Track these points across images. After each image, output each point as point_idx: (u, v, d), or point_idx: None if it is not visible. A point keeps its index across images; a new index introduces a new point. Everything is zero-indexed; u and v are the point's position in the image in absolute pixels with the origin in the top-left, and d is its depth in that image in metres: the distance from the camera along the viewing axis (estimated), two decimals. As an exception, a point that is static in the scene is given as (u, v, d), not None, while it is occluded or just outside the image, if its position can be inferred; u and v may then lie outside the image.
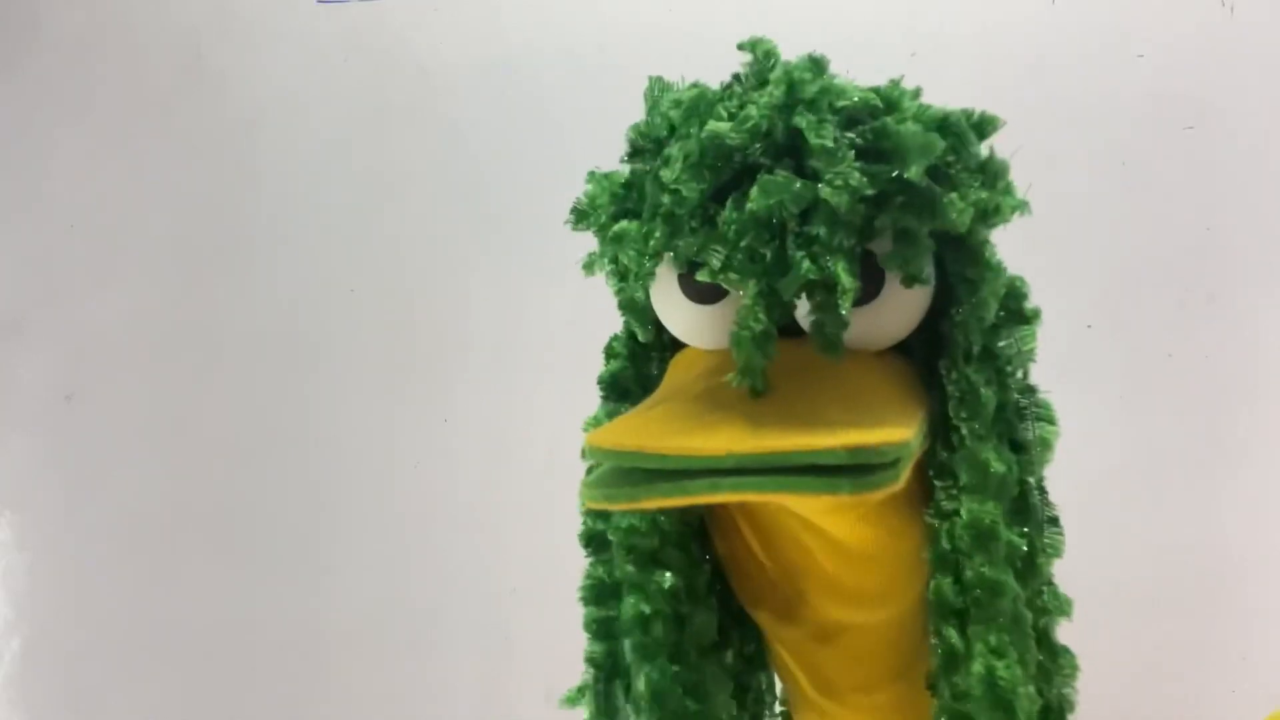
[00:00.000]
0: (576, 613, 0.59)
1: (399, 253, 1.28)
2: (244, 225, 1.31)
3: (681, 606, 0.54)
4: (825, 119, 0.47)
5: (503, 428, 1.22)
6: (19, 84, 1.34)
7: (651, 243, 0.49)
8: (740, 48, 0.52)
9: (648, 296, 0.53)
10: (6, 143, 1.34)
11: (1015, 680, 0.49)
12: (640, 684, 0.52)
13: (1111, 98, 1.15)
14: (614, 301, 0.57)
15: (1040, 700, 0.51)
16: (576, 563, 0.60)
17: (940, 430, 0.52)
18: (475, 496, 1.24)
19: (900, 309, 0.50)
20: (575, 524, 0.59)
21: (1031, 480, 0.54)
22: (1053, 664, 0.54)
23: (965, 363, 0.51)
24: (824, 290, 0.46)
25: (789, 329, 0.49)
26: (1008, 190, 0.51)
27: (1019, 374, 0.55)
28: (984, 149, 0.51)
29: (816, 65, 0.50)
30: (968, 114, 0.51)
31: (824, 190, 0.45)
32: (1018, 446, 0.53)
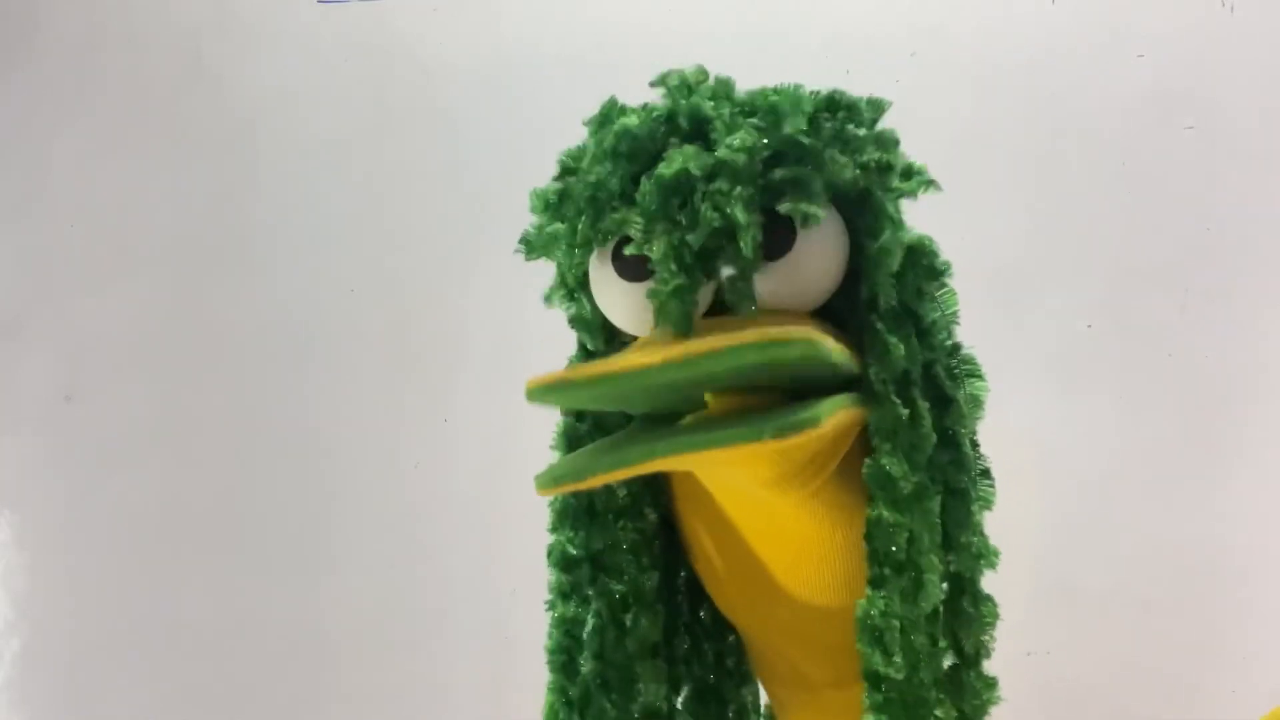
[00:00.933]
0: (576, 613, 0.59)
1: (399, 253, 1.28)
2: (244, 225, 1.31)
3: (624, 612, 0.58)
4: (723, 102, 0.53)
5: (503, 428, 1.21)
6: (19, 84, 1.34)
7: (579, 231, 0.54)
8: (651, 84, 0.56)
9: (593, 306, 0.56)
10: (6, 143, 1.34)
11: (892, 615, 0.52)
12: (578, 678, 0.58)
13: (1111, 98, 1.15)
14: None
15: (946, 643, 0.54)
16: (576, 563, 0.60)
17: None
18: (475, 496, 1.24)
19: (813, 264, 0.53)
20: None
21: (964, 434, 0.56)
22: (974, 610, 0.56)
23: (876, 314, 0.54)
24: (731, 242, 0.50)
25: (727, 309, 0.52)
26: (895, 150, 0.55)
27: (943, 335, 0.57)
28: (879, 124, 0.56)
29: (720, 79, 0.55)
30: (859, 96, 0.55)
31: (722, 152, 0.50)
32: (949, 403, 0.56)
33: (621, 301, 0.54)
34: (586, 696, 0.58)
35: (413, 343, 1.27)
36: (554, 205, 0.56)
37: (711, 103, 0.52)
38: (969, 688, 0.56)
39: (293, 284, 1.29)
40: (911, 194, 0.56)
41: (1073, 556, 1.13)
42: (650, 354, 0.45)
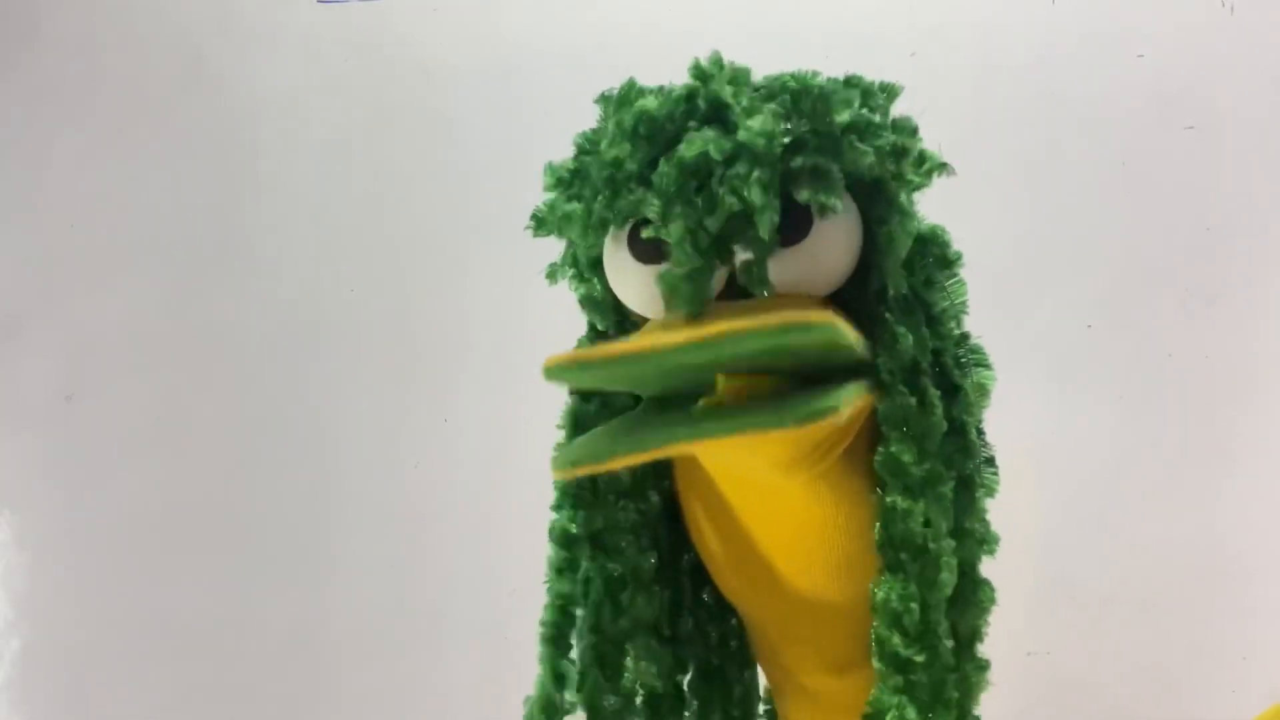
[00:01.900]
0: (576, 614, 0.59)
1: (399, 253, 1.28)
2: (244, 225, 1.31)
3: (621, 591, 0.58)
4: (743, 87, 0.52)
5: (503, 428, 1.22)
6: (19, 84, 1.34)
7: (594, 212, 0.53)
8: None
9: (604, 287, 0.56)
10: (6, 143, 1.34)
11: (911, 598, 0.53)
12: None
13: (1111, 98, 1.15)
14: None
15: (944, 623, 0.54)
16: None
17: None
18: (475, 496, 1.24)
19: (829, 249, 0.52)
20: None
21: (970, 422, 0.57)
22: (972, 595, 0.57)
23: (885, 305, 0.54)
24: (749, 225, 0.49)
25: (740, 294, 0.52)
26: (913, 137, 0.55)
27: (951, 325, 0.57)
28: (892, 111, 0.55)
29: (738, 67, 0.55)
30: (873, 80, 0.55)
31: (742, 135, 0.49)
32: (957, 392, 0.56)
33: (635, 283, 0.54)
34: (578, 671, 0.59)
35: (413, 343, 1.27)
36: (566, 182, 0.56)
37: (731, 87, 0.52)
38: (964, 671, 0.56)
39: (293, 284, 1.29)
40: (925, 184, 0.56)
41: (1073, 556, 1.14)
42: (672, 334, 0.44)
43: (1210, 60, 1.15)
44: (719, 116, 0.51)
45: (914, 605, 0.53)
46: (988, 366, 0.58)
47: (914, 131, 0.55)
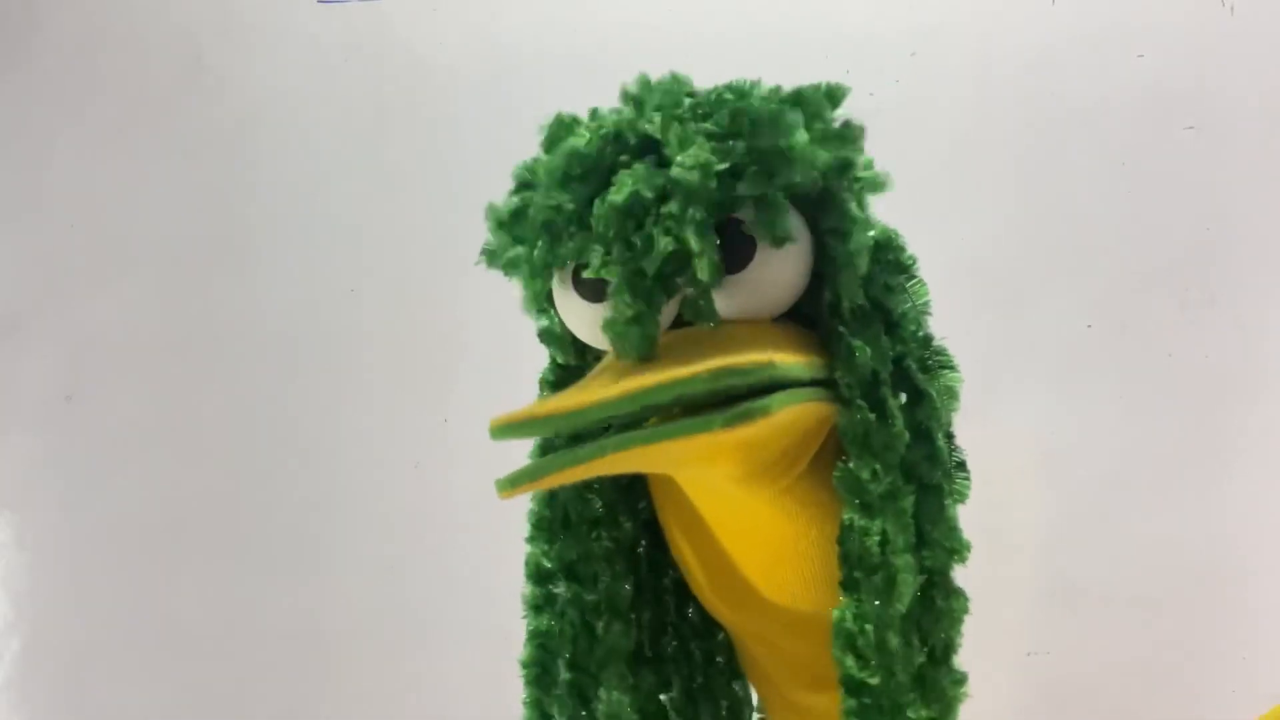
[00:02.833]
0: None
1: (399, 253, 1.28)
2: (244, 225, 1.31)
3: (596, 619, 0.58)
4: (673, 116, 0.50)
5: (503, 428, 1.21)
6: (19, 84, 1.34)
7: (535, 257, 0.53)
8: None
9: (561, 323, 0.56)
10: (6, 143, 1.34)
11: (864, 618, 0.52)
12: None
13: (1111, 98, 1.15)
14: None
15: (906, 640, 0.53)
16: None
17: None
18: (475, 496, 1.24)
19: (776, 273, 0.52)
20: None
21: (937, 428, 0.55)
22: (945, 604, 0.55)
23: (839, 319, 0.53)
24: (690, 261, 0.49)
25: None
26: (857, 146, 0.53)
27: (913, 328, 0.56)
28: (839, 115, 0.53)
29: (674, 79, 0.54)
30: (816, 86, 0.53)
31: (675, 171, 0.48)
32: (922, 398, 0.55)
33: (587, 320, 0.54)
34: (561, 707, 0.59)
35: (413, 343, 1.27)
36: (508, 224, 0.56)
37: (660, 114, 0.50)
38: (937, 685, 0.55)
39: (293, 284, 1.29)
40: (875, 187, 0.54)
41: (1073, 556, 1.13)
42: (605, 388, 0.45)
43: (1210, 60, 1.15)
44: (652, 147, 0.50)
45: (868, 626, 0.52)
46: (954, 369, 0.57)
47: (858, 139, 0.53)
